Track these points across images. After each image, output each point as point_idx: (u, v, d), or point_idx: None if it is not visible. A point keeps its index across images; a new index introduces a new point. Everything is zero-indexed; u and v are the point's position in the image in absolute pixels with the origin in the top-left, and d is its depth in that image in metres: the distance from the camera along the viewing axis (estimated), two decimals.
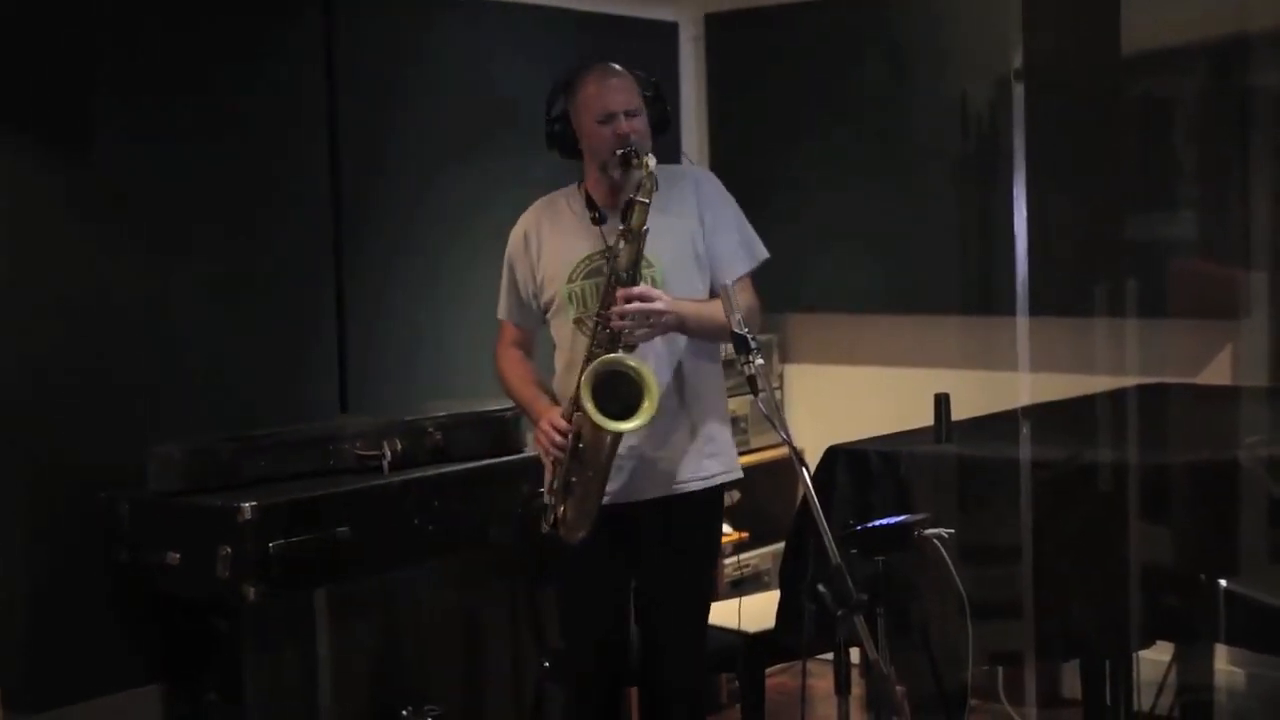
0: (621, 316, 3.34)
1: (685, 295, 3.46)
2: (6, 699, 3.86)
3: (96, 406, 4.00)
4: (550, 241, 3.56)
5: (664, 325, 3.40)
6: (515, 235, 3.64)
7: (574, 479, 3.41)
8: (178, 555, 3.83)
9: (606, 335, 3.36)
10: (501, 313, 3.69)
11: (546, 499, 3.51)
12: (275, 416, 4.22)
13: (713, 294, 3.52)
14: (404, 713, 4.17)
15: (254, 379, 4.31)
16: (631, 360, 3.33)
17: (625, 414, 3.30)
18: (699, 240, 3.53)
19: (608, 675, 3.66)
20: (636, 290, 3.35)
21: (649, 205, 3.35)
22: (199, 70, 4.20)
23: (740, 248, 3.58)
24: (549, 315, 3.59)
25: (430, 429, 4.26)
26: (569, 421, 3.41)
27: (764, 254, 3.63)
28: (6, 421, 3.84)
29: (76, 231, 3.98)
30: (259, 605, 3.79)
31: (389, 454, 4.16)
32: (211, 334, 4.22)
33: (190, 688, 4.03)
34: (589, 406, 3.28)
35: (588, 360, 3.36)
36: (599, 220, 3.51)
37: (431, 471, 4.16)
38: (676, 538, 3.56)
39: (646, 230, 3.36)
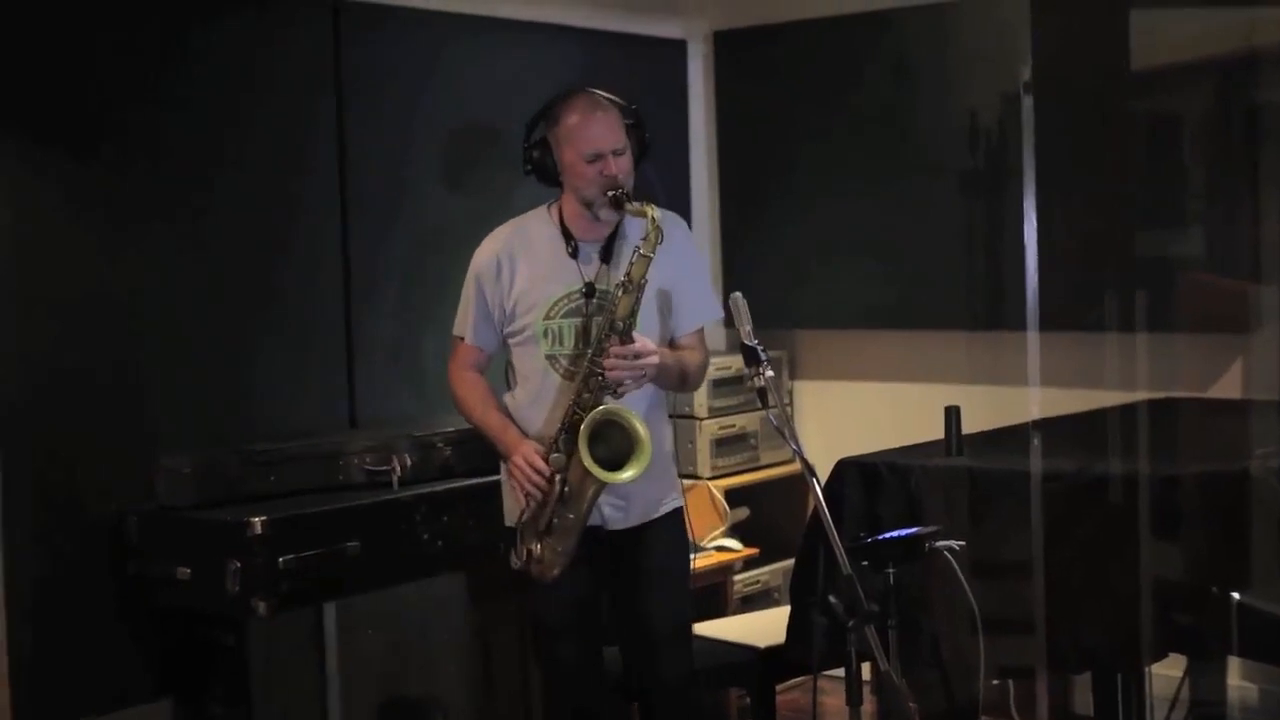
0: (617, 368, 3.35)
1: (652, 336, 3.48)
2: (17, 714, 3.86)
3: (105, 421, 4.00)
4: (526, 271, 3.52)
5: (652, 376, 3.44)
6: (484, 258, 3.57)
7: (555, 520, 3.42)
8: (187, 570, 3.83)
9: (598, 382, 3.38)
10: (466, 335, 3.61)
11: (516, 530, 3.51)
12: (284, 432, 4.22)
13: (670, 342, 3.56)
14: None
15: (263, 394, 4.31)
16: (626, 412, 3.37)
17: (612, 462, 3.35)
18: (670, 285, 3.53)
19: (593, 698, 3.64)
20: (635, 347, 3.37)
21: (651, 260, 3.36)
22: (207, 83, 4.22)
23: (704, 302, 3.61)
24: (513, 342, 3.57)
25: (439, 444, 4.26)
26: (546, 460, 3.41)
27: (720, 313, 3.64)
28: (15, 434, 3.84)
29: (83, 245, 3.98)
30: (268, 620, 3.78)
31: (398, 469, 4.15)
32: (221, 349, 4.23)
33: (199, 703, 4.02)
34: (586, 457, 3.32)
35: (576, 405, 3.38)
36: (575, 254, 3.50)
37: (440, 487, 4.16)
38: (654, 559, 3.57)
39: (645, 282, 3.37)
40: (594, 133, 3.42)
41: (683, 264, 3.56)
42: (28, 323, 3.88)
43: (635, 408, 3.43)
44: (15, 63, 3.84)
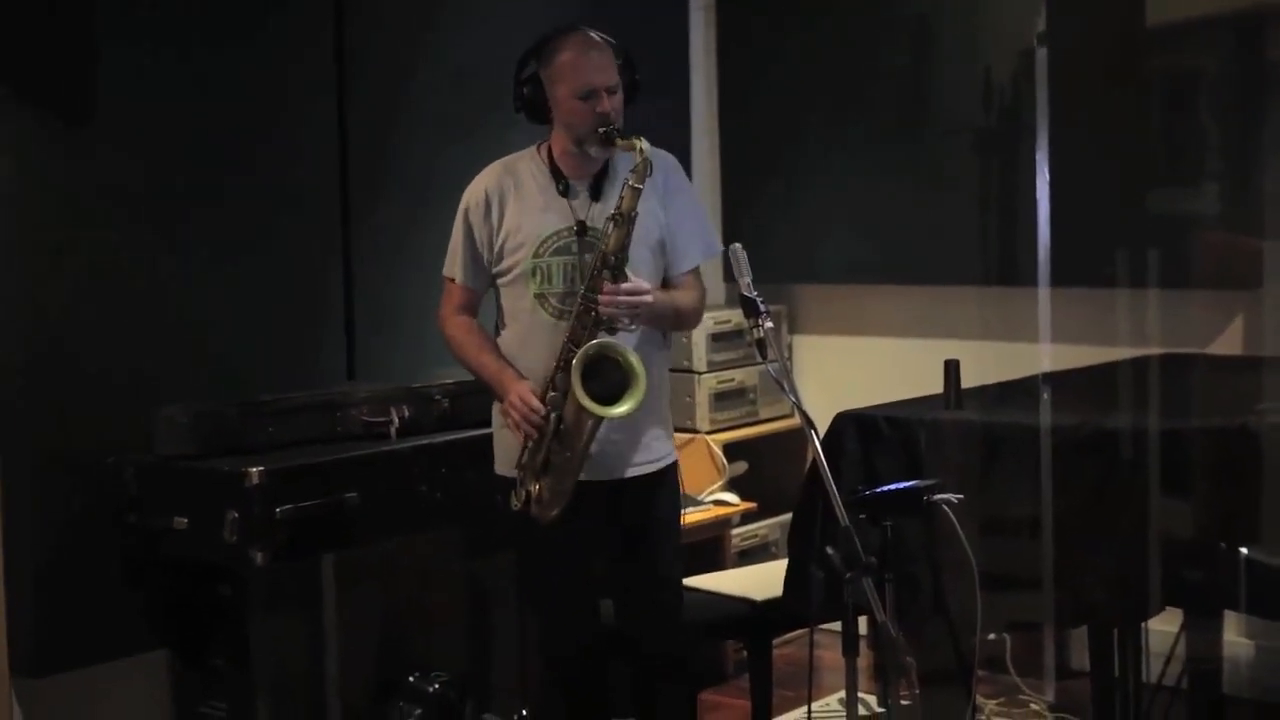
0: (611, 304, 3.33)
1: (647, 278, 3.46)
2: (14, 663, 3.86)
3: (104, 372, 3.99)
4: (515, 210, 3.51)
5: (646, 316, 3.42)
6: (474, 196, 3.55)
7: (553, 459, 3.41)
8: (185, 520, 3.82)
9: (592, 319, 3.36)
10: (456, 274, 3.59)
11: (509, 476, 3.50)
12: (283, 383, 4.21)
13: (665, 282, 3.54)
14: (410, 679, 4.17)
15: (262, 345, 4.30)
16: (621, 347, 3.35)
17: (608, 397, 3.33)
18: (663, 225, 3.52)
19: (587, 649, 3.64)
20: (629, 285, 3.35)
21: (641, 191, 3.34)
22: (206, 36, 4.19)
23: (699, 238, 3.59)
24: (502, 282, 3.55)
25: (437, 396, 4.26)
26: (543, 400, 3.40)
27: (719, 247, 3.63)
28: (14, 386, 3.84)
29: (81, 198, 3.97)
30: (266, 570, 3.78)
31: (396, 420, 4.15)
32: (219, 300, 4.22)
33: (197, 653, 4.03)
34: (579, 392, 3.30)
35: (571, 341, 3.37)
36: (565, 192, 3.49)
37: (439, 438, 4.16)
38: (643, 512, 3.57)
39: (635, 215, 3.36)
40: (588, 70, 3.41)
41: (676, 202, 3.54)
42: (27, 275, 3.87)
43: (628, 345, 3.41)
44: (13, 16, 3.82)
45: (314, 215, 4.46)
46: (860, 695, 3.21)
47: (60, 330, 3.93)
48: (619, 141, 3.37)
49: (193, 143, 4.16)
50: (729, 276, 3.41)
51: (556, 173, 3.50)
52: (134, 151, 4.05)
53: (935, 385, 3.98)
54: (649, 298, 3.38)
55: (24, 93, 3.86)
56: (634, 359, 3.35)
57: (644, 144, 3.35)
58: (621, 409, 3.33)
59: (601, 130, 3.38)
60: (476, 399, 4.25)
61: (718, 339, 5.28)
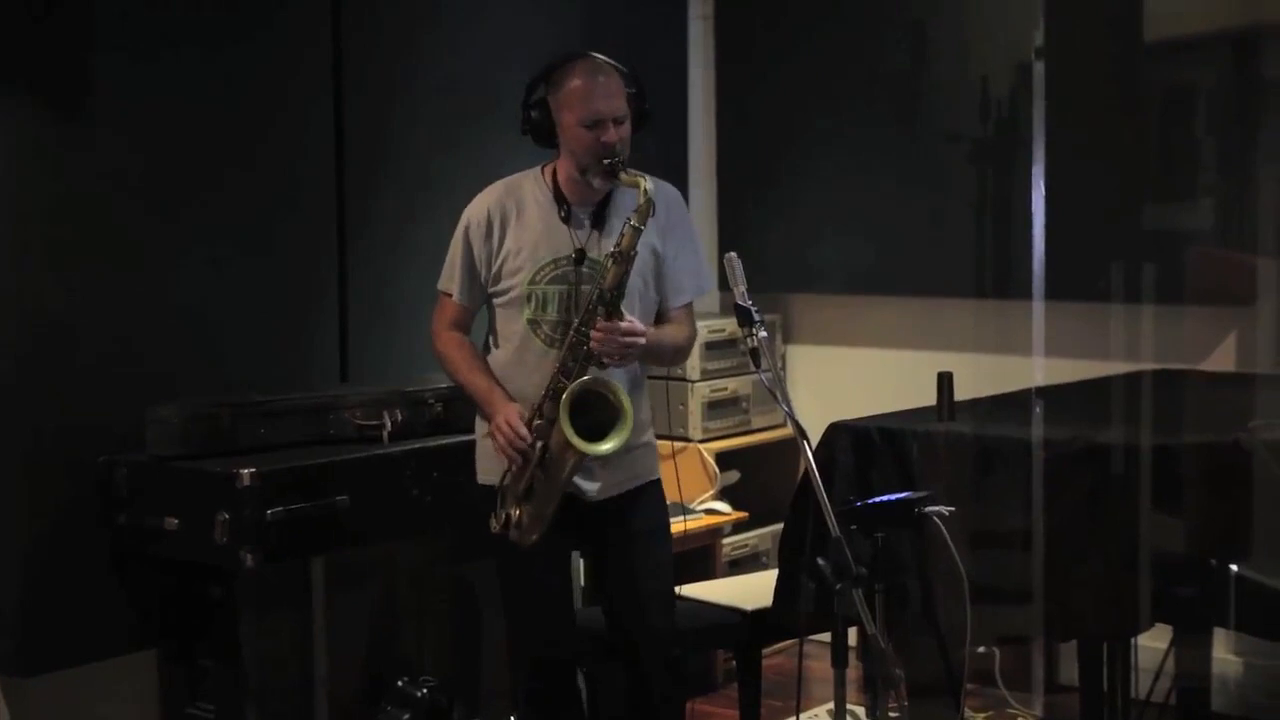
0: (604, 342, 3.33)
1: (639, 312, 3.46)
2: (2, 663, 3.86)
3: (96, 372, 3.98)
4: (516, 232, 3.49)
5: (637, 355, 3.42)
6: (476, 215, 3.53)
7: (535, 485, 3.41)
8: (175, 520, 3.82)
9: (583, 353, 3.35)
10: (452, 290, 3.57)
11: (494, 490, 3.49)
12: (276, 385, 4.21)
13: (658, 315, 3.54)
14: (399, 683, 4.17)
15: (255, 347, 4.30)
16: (612, 384, 3.35)
17: (594, 431, 3.33)
18: (659, 259, 3.51)
19: (564, 660, 3.65)
20: (625, 325, 3.34)
21: (642, 231, 3.33)
22: (205, 36, 4.19)
23: (695, 277, 3.59)
24: (497, 302, 3.54)
25: (430, 400, 4.25)
26: (530, 425, 3.39)
27: (711, 285, 3.65)
28: (5, 383, 3.83)
29: (75, 196, 3.96)
30: (256, 572, 3.78)
31: (389, 424, 4.15)
32: (213, 301, 4.21)
33: (186, 654, 4.03)
34: (567, 429, 3.29)
35: (561, 373, 3.36)
36: (567, 219, 3.47)
37: (431, 442, 4.15)
38: (637, 521, 3.56)
39: (635, 254, 3.34)
40: (595, 99, 3.38)
41: (675, 237, 3.53)
42: (19, 272, 3.86)
43: (616, 380, 3.41)
44: (12, 14, 3.82)
45: (310, 217, 4.46)
46: (849, 707, 3.20)
47: (56, 330, 3.92)
48: (623, 175, 3.35)
49: (190, 143, 4.15)
50: (724, 285, 3.40)
51: (560, 197, 3.48)
52: (132, 151, 4.04)
53: (928, 397, 3.99)
54: (642, 340, 3.38)
55: (23, 91, 3.86)
56: (624, 396, 3.34)
57: (648, 183, 3.33)
58: (606, 446, 3.33)
59: (606, 161, 3.36)
60: (469, 404, 4.24)
61: (711, 347, 5.28)
